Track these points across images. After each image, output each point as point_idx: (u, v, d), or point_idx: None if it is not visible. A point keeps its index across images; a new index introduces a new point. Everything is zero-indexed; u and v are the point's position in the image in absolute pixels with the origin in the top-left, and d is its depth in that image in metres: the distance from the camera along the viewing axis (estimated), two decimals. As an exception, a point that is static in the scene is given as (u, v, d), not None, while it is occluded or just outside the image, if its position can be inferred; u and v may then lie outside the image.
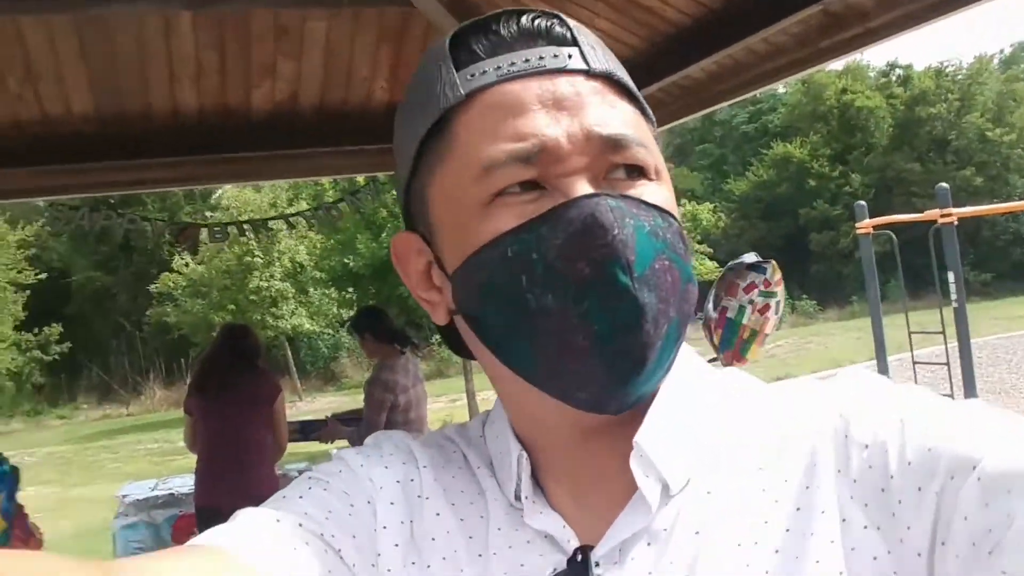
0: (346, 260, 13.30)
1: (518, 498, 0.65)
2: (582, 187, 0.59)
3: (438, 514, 0.66)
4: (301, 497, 0.66)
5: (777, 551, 0.57)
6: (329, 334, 22.25)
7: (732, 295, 3.57)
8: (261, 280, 17.83)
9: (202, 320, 18.31)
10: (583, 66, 0.62)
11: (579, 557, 0.61)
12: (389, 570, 0.64)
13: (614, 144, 0.60)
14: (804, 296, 27.36)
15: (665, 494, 0.61)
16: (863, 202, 10.27)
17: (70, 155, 4.05)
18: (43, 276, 12.76)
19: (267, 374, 4.54)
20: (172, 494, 4.89)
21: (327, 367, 22.87)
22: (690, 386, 0.66)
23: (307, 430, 5.10)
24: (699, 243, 21.29)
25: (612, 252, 0.57)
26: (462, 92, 0.62)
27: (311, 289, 18.79)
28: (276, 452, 4.50)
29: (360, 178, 6.27)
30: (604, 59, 0.63)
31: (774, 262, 3.87)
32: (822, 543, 0.56)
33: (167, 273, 18.62)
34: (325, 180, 15.46)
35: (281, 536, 0.61)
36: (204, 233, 5.51)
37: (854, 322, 23.07)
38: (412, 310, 13.77)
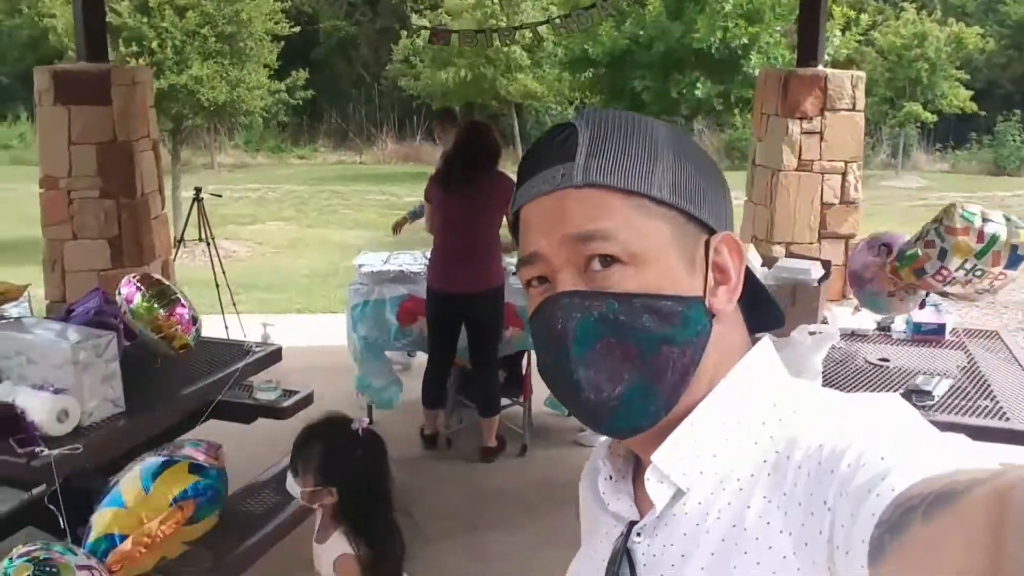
0: (585, 46, 12.99)
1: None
2: (563, 281, 0.81)
3: (585, 498, 0.97)
4: None
5: (736, 543, 0.75)
6: (557, 110, 22.29)
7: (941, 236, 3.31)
8: (501, 44, 17.78)
9: (438, 82, 18.67)
10: (570, 183, 0.80)
11: (628, 529, 0.85)
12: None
13: (582, 240, 0.79)
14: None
15: (680, 494, 0.80)
16: None
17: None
18: (296, 29, 13.28)
19: (504, 175, 4.66)
20: (402, 271, 5.15)
21: (552, 141, 23.02)
22: (727, 406, 0.82)
23: None
24: (957, 68, 19.37)
25: (556, 341, 0.80)
26: (513, 210, 0.87)
27: (546, 64, 18.63)
28: (513, 245, 4.73)
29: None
30: (597, 167, 0.80)
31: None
32: (752, 539, 0.74)
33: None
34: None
35: None
36: (454, 37, 5.88)
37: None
38: (642, 106, 13.48)
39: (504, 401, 4.95)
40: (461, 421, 5.19)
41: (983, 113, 20.29)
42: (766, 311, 0.91)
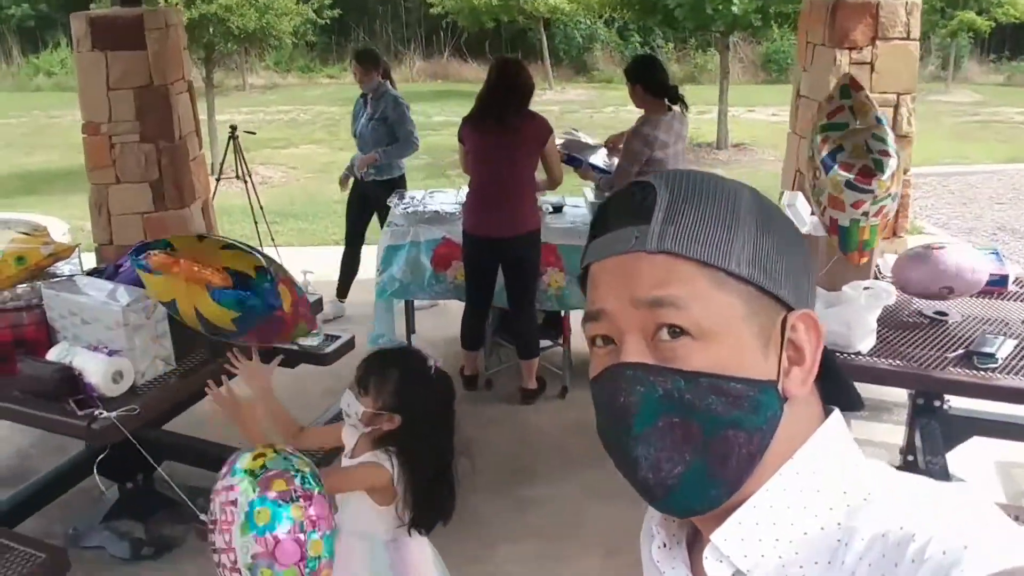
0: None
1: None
2: (628, 346, 0.78)
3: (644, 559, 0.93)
4: None
5: None
6: (586, 23, 21.87)
7: (838, 209, 3.15)
8: None
9: (464, 1, 18.41)
10: (643, 247, 0.77)
11: None
12: None
13: (651, 305, 0.76)
14: None
15: (739, 574, 0.77)
16: None
17: None
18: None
19: (538, 116, 4.58)
20: (437, 212, 5.13)
21: (580, 57, 22.68)
22: (795, 490, 0.77)
23: (571, 161, 5.10)
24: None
25: (617, 414, 0.78)
26: (583, 264, 0.85)
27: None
28: (551, 185, 4.72)
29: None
30: (674, 234, 0.77)
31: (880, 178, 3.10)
32: None
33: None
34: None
35: None
36: None
37: None
38: (675, 21, 13.09)
39: (544, 343, 4.98)
40: (501, 361, 5.24)
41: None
42: (838, 390, 0.86)
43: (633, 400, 0.77)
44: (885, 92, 5.31)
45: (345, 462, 2.48)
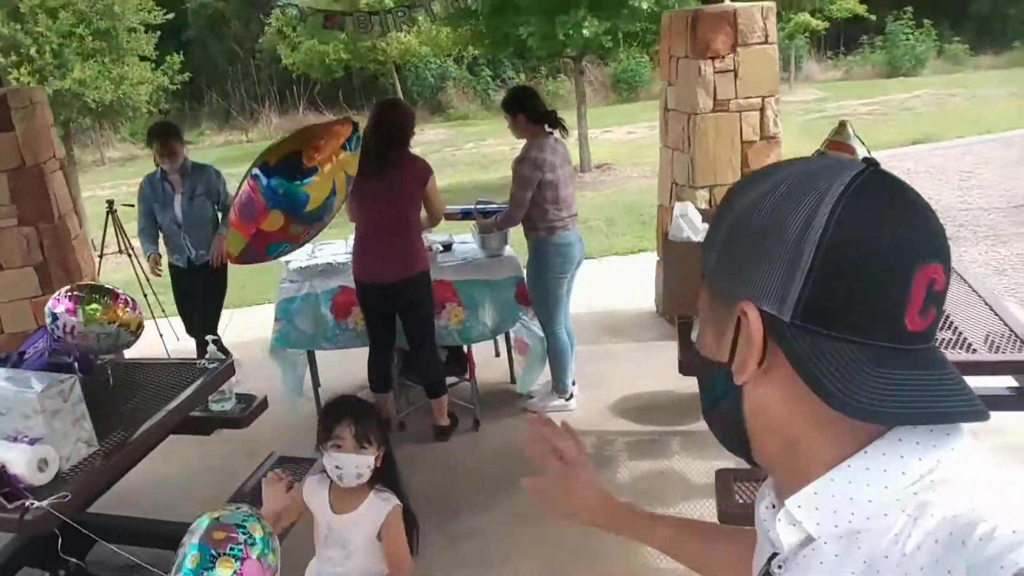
0: (467, -1, 12.73)
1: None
2: None
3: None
4: None
5: None
6: (437, 63, 22.08)
7: None
8: (397, 28, 17.54)
9: (314, 53, 18.38)
10: None
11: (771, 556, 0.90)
12: None
13: None
14: (956, 38, 23.78)
15: (810, 540, 0.82)
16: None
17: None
18: (171, 16, 12.98)
19: (418, 158, 4.65)
20: (329, 263, 5.16)
21: (434, 97, 22.92)
22: (876, 471, 0.79)
23: (466, 215, 5.34)
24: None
25: None
26: None
27: (423, 20, 18.41)
28: (432, 223, 4.78)
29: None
30: (702, 257, 0.90)
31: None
32: None
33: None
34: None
35: None
36: (349, 22, 5.81)
37: (1010, 72, 20.80)
38: (528, 51, 13.30)
39: (450, 379, 5.05)
40: (410, 402, 5.30)
41: (872, 17, 19.35)
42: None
43: None
44: (750, 97, 5.50)
45: (339, 521, 2.59)
